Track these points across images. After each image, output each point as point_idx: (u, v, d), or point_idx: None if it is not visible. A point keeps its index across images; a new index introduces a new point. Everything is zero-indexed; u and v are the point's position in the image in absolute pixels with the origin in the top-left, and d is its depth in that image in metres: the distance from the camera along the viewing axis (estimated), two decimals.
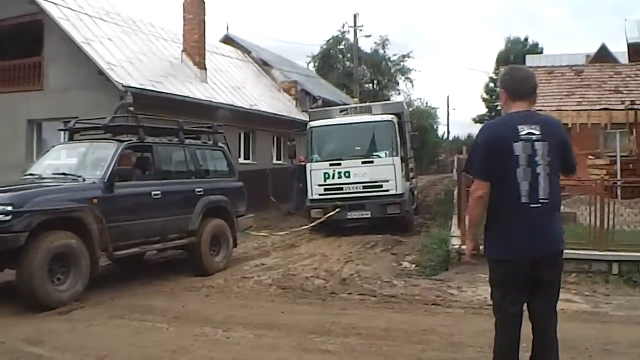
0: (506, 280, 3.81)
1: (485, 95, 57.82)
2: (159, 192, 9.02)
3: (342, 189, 13.97)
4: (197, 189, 9.85)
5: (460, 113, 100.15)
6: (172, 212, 9.27)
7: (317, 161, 14.31)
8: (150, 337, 6.10)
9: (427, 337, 5.78)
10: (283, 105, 23.69)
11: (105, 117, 9.63)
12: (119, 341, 5.93)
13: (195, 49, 18.53)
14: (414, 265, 9.97)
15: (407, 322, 6.38)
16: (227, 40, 27.72)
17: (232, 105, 18.43)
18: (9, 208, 7.03)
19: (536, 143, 3.70)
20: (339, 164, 13.99)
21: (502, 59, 49.40)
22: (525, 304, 3.87)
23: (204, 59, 18.87)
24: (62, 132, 15.48)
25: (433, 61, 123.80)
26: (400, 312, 6.96)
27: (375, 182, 13.79)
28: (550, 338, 3.86)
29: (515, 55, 48.23)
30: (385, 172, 13.80)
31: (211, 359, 5.31)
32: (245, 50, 26.95)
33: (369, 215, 13.83)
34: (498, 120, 4.02)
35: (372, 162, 13.93)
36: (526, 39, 56.14)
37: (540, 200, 3.69)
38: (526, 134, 3.70)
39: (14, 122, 15.87)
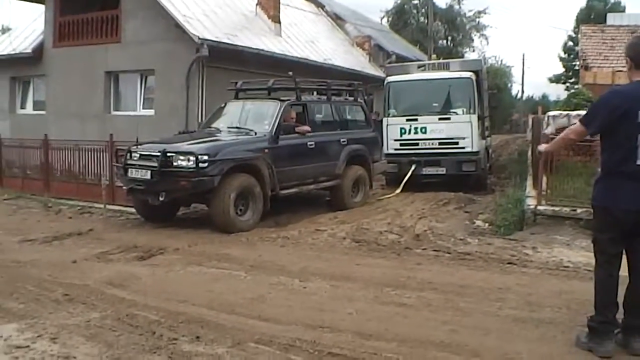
0: (612, 227, 4.23)
1: (562, 55, 55.43)
2: (312, 143, 10.73)
3: (417, 144, 13.93)
4: (341, 140, 11.49)
5: (535, 72, 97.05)
6: (323, 159, 11.02)
7: (394, 116, 14.23)
8: (227, 284, 6.25)
9: (504, 295, 5.69)
10: (356, 60, 23.36)
11: (267, 80, 11.15)
12: (197, 287, 6.10)
13: (269, 2, 18.42)
14: (487, 224, 9.80)
15: (483, 280, 6.29)
16: None
17: (306, 59, 18.29)
18: (206, 157, 8.80)
19: None
20: (416, 120, 13.92)
21: (583, 17, 47.12)
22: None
23: (279, 12, 18.73)
24: (138, 82, 16.01)
25: (509, 18, 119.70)
26: (475, 269, 6.86)
27: (452, 139, 13.69)
28: None
29: (597, 13, 45.93)
30: (462, 129, 13.65)
31: (289, 307, 5.37)
32: (318, 4, 26.53)
33: (444, 172, 13.77)
34: (627, 87, 4.28)
35: (449, 118, 13.80)
36: None
37: None
38: None
39: (92, 74, 16.28)
